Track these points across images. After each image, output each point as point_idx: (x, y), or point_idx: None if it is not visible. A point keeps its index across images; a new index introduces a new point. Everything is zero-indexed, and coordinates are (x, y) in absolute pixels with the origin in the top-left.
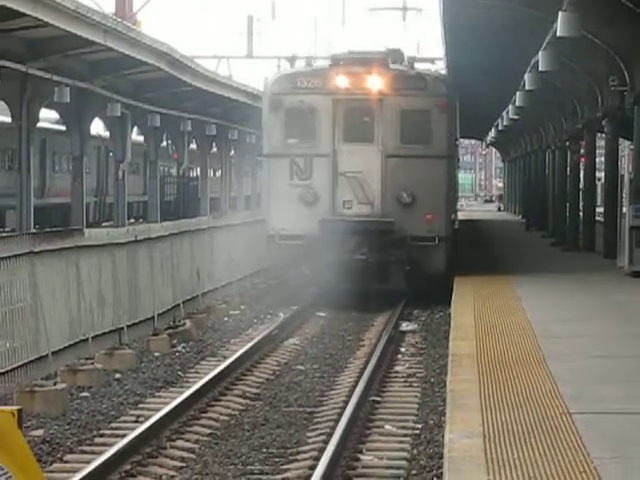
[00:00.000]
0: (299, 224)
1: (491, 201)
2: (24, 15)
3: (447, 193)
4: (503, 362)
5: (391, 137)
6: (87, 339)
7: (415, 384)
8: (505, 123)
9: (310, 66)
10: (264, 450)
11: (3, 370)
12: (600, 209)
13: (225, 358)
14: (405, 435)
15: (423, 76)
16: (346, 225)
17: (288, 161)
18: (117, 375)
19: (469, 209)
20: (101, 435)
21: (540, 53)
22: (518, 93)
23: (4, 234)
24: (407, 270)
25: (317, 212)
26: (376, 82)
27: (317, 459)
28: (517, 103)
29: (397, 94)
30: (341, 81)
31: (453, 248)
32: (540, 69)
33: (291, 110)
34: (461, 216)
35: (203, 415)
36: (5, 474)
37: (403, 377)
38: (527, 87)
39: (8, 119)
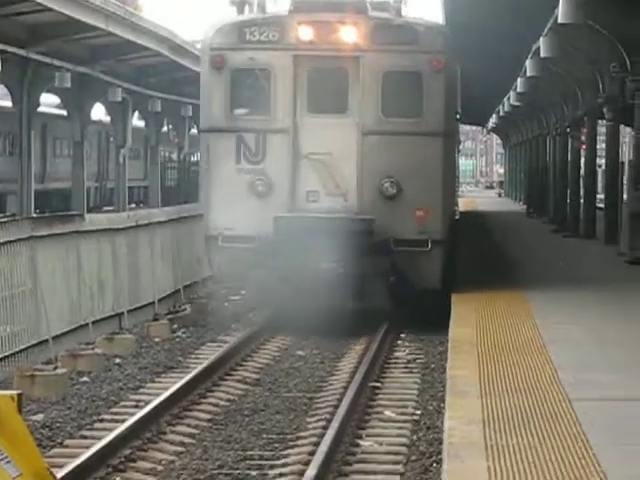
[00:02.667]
0: (248, 222)
1: (492, 187)
2: (26, 0)
3: (444, 182)
4: (503, 349)
5: (370, 107)
6: (87, 324)
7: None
8: (506, 109)
9: (263, 12)
10: (264, 435)
11: (3, 355)
12: (601, 196)
13: (225, 343)
14: (405, 421)
15: (413, 25)
16: (310, 224)
17: (234, 138)
18: (117, 360)
19: (470, 195)
20: (101, 420)
21: (541, 39)
22: (519, 79)
23: (5, 219)
24: (391, 283)
25: (272, 206)
26: (351, 34)
27: (317, 444)
28: (518, 89)
29: (379, 50)
30: (304, 32)
31: (451, 253)
32: (542, 55)
33: (238, 71)
34: (461, 204)
35: (203, 400)
36: (4, 458)
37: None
38: (528, 73)
39: (9, 104)
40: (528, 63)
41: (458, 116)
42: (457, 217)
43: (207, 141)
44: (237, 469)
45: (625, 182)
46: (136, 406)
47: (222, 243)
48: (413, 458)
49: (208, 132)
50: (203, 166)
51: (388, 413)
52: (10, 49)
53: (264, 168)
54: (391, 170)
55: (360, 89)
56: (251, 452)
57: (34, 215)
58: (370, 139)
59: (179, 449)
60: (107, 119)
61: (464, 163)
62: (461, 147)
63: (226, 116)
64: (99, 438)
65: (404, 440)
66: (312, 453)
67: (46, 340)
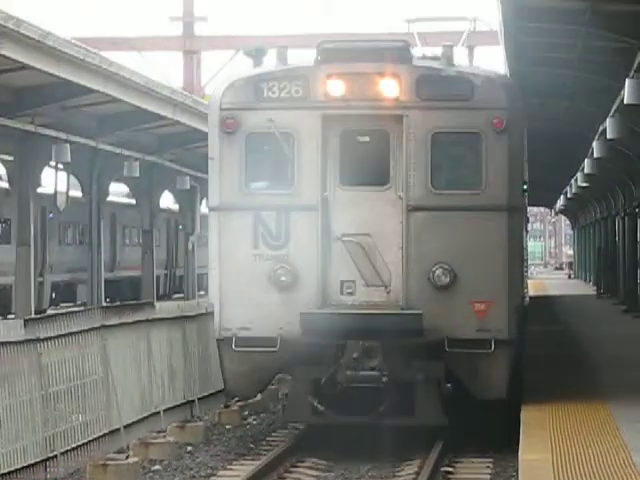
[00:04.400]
0: (269, 320)
1: (561, 268)
2: (94, 91)
3: (510, 267)
4: (575, 432)
5: (417, 178)
6: (159, 412)
7: None
8: (574, 190)
9: (285, 62)
10: None
11: (76, 444)
12: None
13: (297, 429)
14: None
15: (468, 76)
16: (345, 322)
17: (251, 218)
18: (189, 448)
19: (539, 277)
20: None
21: (608, 120)
22: (586, 160)
23: (76, 308)
24: (446, 393)
25: (298, 301)
26: (391, 87)
27: None
28: (585, 170)
29: (426, 107)
30: (334, 87)
31: (520, 353)
32: (608, 137)
33: (254, 136)
34: (531, 287)
35: None
36: None
37: None
38: (595, 155)
39: (79, 194)
40: (595, 144)
41: (525, 186)
42: (526, 303)
43: (217, 222)
44: None
45: None
46: None
47: (236, 347)
48: None
49: (218, 211)
50: (212, 252)
51: None
52: (79, 140)
53: (287, 254)
54: (443, 254)
55: (404, 155)
56: None
57: (104, 304)
58: (417, 216)
59: None
60: (176, 207)
61: (533, 245)
62: (529, 227)
63: (240, 191)
64: None
65: None
66: None
67: (118, 429)
